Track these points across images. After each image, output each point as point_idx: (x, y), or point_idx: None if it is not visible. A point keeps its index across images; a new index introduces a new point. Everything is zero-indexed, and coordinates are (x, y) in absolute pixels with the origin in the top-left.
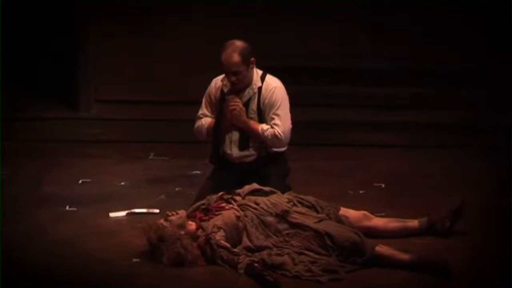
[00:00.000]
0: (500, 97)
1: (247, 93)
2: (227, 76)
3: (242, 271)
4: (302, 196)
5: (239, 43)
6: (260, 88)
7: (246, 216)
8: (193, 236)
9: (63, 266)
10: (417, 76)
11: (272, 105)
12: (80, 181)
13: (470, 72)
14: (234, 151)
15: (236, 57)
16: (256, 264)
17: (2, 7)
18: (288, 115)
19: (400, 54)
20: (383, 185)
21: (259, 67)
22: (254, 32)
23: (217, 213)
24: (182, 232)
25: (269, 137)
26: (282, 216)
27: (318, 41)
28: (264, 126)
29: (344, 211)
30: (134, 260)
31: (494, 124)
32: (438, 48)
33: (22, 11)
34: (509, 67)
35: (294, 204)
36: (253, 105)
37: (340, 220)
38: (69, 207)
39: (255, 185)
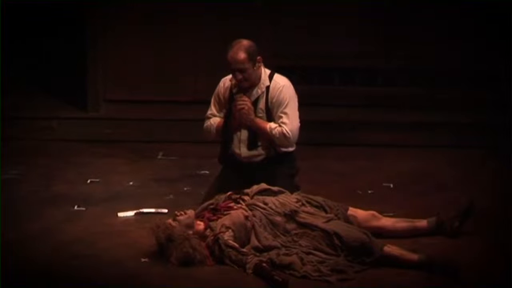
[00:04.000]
0: (500, 97)
1: (255, 92)
2: (233, 74)
3: (250, 271)
4: (310, 196)
5: (245, 42)
6: (268, 87)
7: (254, 216)
8: (202, 236)
9: (72, 265)
10: (427, 75)
11: (280, 104)
12: (88, 181)
13: (470, 72)
14: (243, 151)
15: (242, 55)
16: (264, 264)
17: (9, 7)
18: (296, 114)
19: (407, 54)
20: (391, 185)
21: (270, 66)
22: (265, 32)
23: (225, 213)
24: (191, 232)
25: (277, 135)
26: (291, 216)
27: (328, 40)
28: (272, 125)
29: (353, 211)
30: (143, 260)
31: (494, 124)
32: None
33: (32, 11)
34: (509, 67)
35: (303, 204)
36: (261, 104)
37: (348, 220)
38: (77, 207)
39: (263, 185)
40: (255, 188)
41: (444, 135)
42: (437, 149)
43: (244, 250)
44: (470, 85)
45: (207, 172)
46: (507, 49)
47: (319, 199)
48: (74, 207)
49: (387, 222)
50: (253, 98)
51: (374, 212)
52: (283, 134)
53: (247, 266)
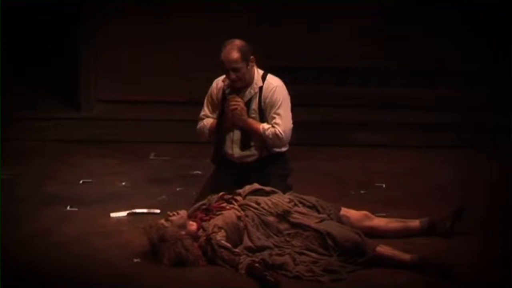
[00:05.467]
0: (500, 97)
1: (248, 92)
2: (226, 74)
3: (243, 271)
4: (303, 196)
5: (238, 41)
6: (261, 88)
7: (247, 216)
8: (194, 236)
9: (64, 266)
10: (428, 76)
11: (273, 105)
12: (80, 181)
13: (470, 72)
14: (236, 151)
15: (235, 54)
16: (257, 264)
17: (5, 8)
18: (289, 115)
19: (407, 54)
20: (384, 185)
21: (264, 67)
22: (260, 32)
23: (218, 213)
24: (183, 232)
25: (270, 136)
26: (283, 216)
27: (322, 41)
28: (265, 125)
29: (345, 211)
30: (135, 260)
31: (494, 124)
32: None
33: (25, 11)
34: (509, 67)
35: (295, 204)
36: (254, 105)
37: (341, 220)
38: (70, 207)
39: (256, 185)
40: (248, 188)
41: (443, 135)
42: (430, 149)
43: (237, 250)
44: (470, 85)
45: (199, 172)
46: (507, 49)
47: (312, 199)
48: (67, 207)
49: (379, 222)
50: (246, 99)
51: (367, 212)
52: (276, 135)
53: (240, 266)
